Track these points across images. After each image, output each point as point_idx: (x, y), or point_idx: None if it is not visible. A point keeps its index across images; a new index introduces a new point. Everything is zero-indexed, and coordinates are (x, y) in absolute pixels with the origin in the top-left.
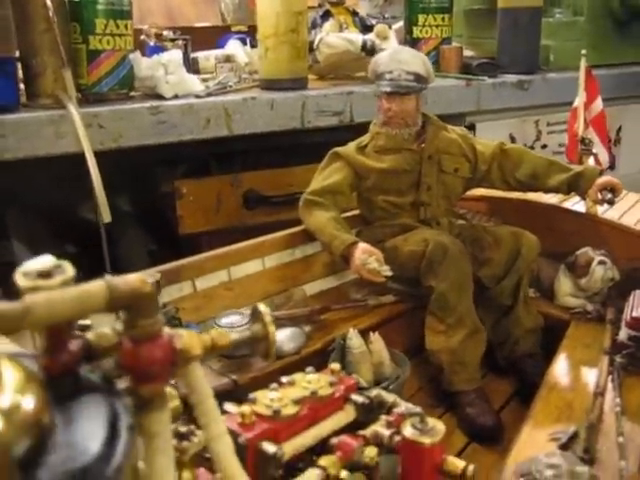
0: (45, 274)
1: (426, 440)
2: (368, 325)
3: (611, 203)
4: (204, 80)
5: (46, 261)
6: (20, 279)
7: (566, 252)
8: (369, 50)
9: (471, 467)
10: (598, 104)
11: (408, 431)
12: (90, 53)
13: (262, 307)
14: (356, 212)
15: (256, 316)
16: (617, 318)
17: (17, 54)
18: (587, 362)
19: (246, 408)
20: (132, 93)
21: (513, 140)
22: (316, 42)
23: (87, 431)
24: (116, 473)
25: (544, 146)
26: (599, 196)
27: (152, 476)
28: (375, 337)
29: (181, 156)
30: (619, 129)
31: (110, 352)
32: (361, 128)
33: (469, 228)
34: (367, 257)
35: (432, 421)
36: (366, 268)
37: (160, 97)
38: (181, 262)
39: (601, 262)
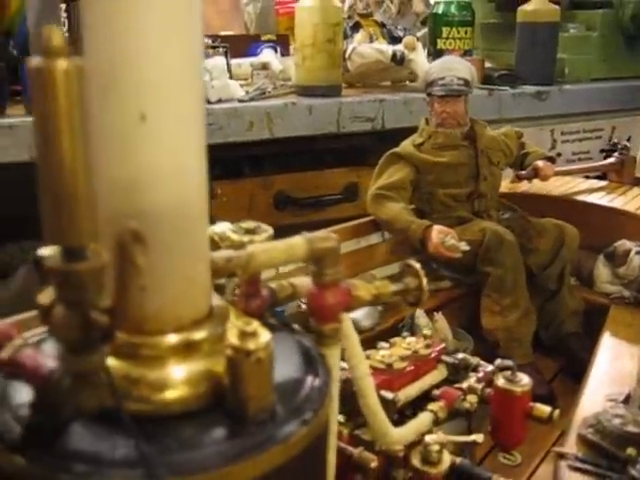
0: (251, 231)
1: (517, 389)
2: (430, 307)
3: (519, 179)
4: (241, 86)
5: (248, 223)
6: (230, 232)
7: (601, 245)
8: (399, 60)
9: (557, 411)
10: None
11: (501, 382)
12: None
13: (414, 262)
14: (372, 217)
15: (407, 270)
16: None
17: None
18: (630, 338)
19: None
20: None
21: None
22: (348, 52)
23: (289, 360)
24: (324, 390)
25: (559, 154)
26: (524, 173)
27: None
28: (439, 316)
29: (215, 158)
30: (629, 139)
31: (287, 301)
32: (387, 134)
33: (516, 220)
34: (444, 236)
35: (520, 374)
36: (445, 245)
37: (206, 101)
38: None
39: (638, 252)
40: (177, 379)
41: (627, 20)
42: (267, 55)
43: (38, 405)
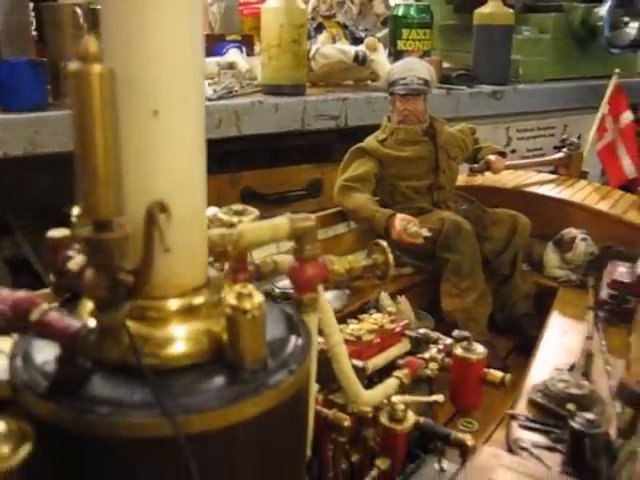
0: (239, 213)
1: (473, 357)
2: (394, 290)
3: (473, 172)
4: (208, 85)
5: (237, 206)
6: (221, 215)
7: (551, 233)
8: (361, 60)
9: (507, 376)
10: (627, 117)
11: (459, 351)
12: None
13: (382, 241)
14: (339, 209)
15: (375, 248)
16: (597, 284)
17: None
18: (576, 316)
19: None
20: None
21: None
22: (312, 52)
23: (275, 324)
24: (306, 348)
25: (513, 151)
26: (476, 166)
27: None
28: (402, 299)
29: None
30: (579, 137)
31: (270, 275)
32: (350, 131)
33: (472, 210)
34: (407, 223)
35: (476, 344)
36: (407, 232)
37: None
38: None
39: (583, 239)
40: (180, 337)
41: (577, 24)
42: (233, 55)
43: (64, 359)
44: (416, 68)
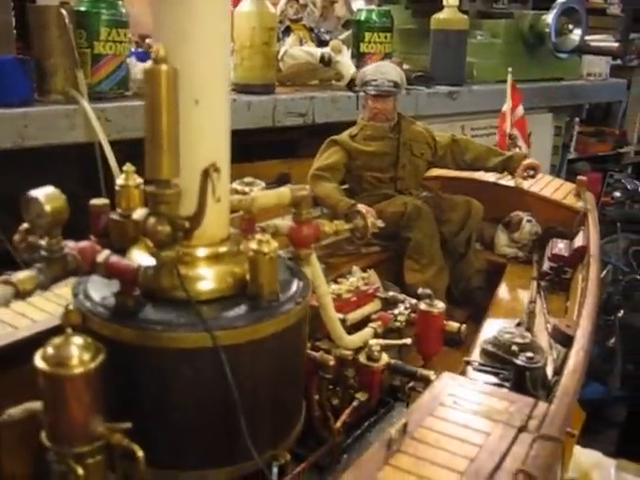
0: (250, 184)
1: (435, 310)
2: (364, 265)
3: (533, 177)
4: None
5: (248, 178)
6: (236, 186)
7: (501, 217)
8: (326, 62)
9: (463, 326)
10: (520, 110)
11: (422, 306)
12: (94, 57)
13: (360, 207)
14: (345, 186)
15: (355, 215)
16: (540, 259)
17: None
18: (522, 286)
19: None
20: (127, 93)
21: None
22: (281, 54)
23: (281, 270)
24: (306, 288)
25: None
26: (525, 174)
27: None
28: (371, 272)
29: None
30: (529, 135)
31: (272, 236)
32: (317, 128)
33: (432, 197)
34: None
35: (437, 301)
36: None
37: None
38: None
39: (529, 220)
40: (209, 276)
41: (526, 30)
42: None
43: (124, 292)
44: (387, 71)
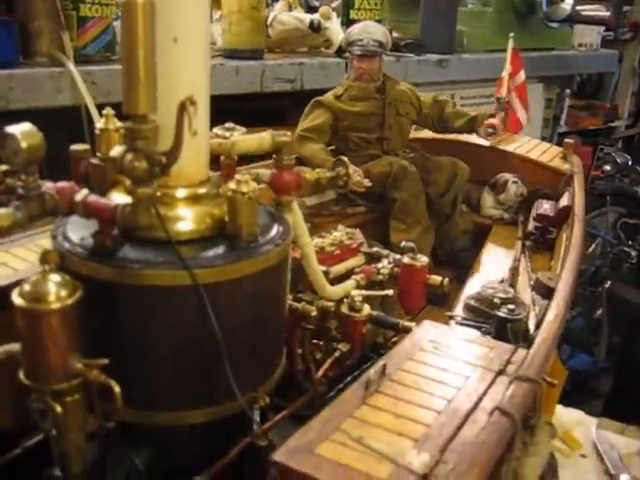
0: (231, 129)
1: (418, 263)
2: (349, 226)
3: (490, 135)
4: None
5: (228, 124)
6: (218, 131)
7: (487, 179)
8: (315, 28)
9: (446, 280)
10: (521, 76)
11: (406, 259)
12: (80, 19)
13: (343, 157)
14: (332, 147)
15: (338, 162)
16: (525, 220)
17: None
18: (507, 246)
19: None
20: (113, 57)
21: None
22: (270, 19)
23: (261, 216)
24: (286, 231)
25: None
26: (485, 132)
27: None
28: (356, 231)
29: None
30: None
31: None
32: (305, 95)
33: (419, 157)
34: (353, 172)
35: (420, 255)
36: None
37: None
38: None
39: (514, 182)
40: (188, 217)
41: None
42: None
43: (102, 231)
44: (373, 31)
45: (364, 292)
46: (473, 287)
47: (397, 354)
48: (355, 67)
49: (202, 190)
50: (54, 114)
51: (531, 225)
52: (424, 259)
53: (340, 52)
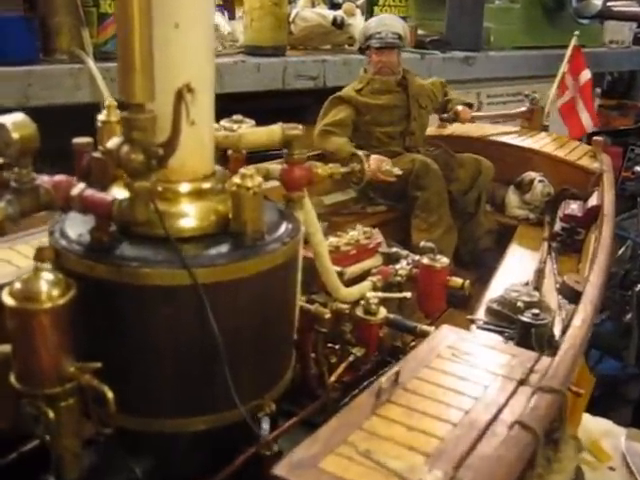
0: (239, 121)
1: (437, 265)
2: (368, 225)
3: (442, 121)
4: None
5: (235, 117)
6: (224, 123)
7: (513, 178)
8: (339, 24)
9: (467, 282)
10: (585, 76)
11: (425, 260)
12: (100, 16)
13: (359, 152)
14: (318, 152)
15: (353, 158)
16: (552, 221)
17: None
18: (532, 248)
19: None
20: None
21: None
22: (292, 16)
23: (270, 214)
24: (295, 229)
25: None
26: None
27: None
28: (376, 231)
29: None
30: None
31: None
32: (328, 92)
33: (441, 154)
34: (380, 162)
35: (440, 255)
36: (381, 170)
37: None
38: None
39: (541, 181)
40: (191, 213)
41: None
42: (216, 18)
43: (99, 227)
44: (391, 23)
45: (380, 294)
46: (496, 290)
47: (412, 360)
48: (374, 60)
49: (206, 185)
50: (73, 111)
51: (558, 226)
52: (444, 260)
53: (363, 49)
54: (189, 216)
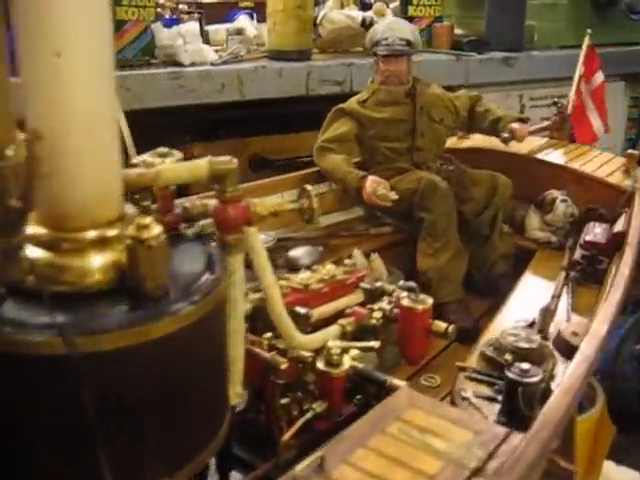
0: (163, 155)
1: (419, 307)
2: (370, 249)
3: (505, 142)
4: (216, 51)
5: (162, 149)
6: (147, 157)
7: (535, 195)
8: (368, 26)
9: (451, 327)
10: (597, 78)
11: (405, 301)
12: (117, 23)
13: (308, 186)
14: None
15: (302, 194)
16: (574, 245)
17: None
18: (548, 277)
19: (283, 282)
20: (153, 60)
21: None
22: (319, 18)
23: (193, 261)
24: (215, 282)
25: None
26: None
27: (230, 303)
28: (375, 256)
29: (192, 121)
30: None
31: (199, 218)
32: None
33: (454, 171)
34: (377, 185)
35: (422, 295)
36: (377, 194)
37: (179, 64)
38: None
39: (563, 200)
40: (94, 267)
41: None
42: (242, 21)
43: None
44: (398, 28)
45: (344, 343)
46: (499, 327)
47: (347, 438)
48: (381, 69)
49: (111, 232)
50: None
51: (578, 253)
52: (428, 301)
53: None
54: (89, 268)
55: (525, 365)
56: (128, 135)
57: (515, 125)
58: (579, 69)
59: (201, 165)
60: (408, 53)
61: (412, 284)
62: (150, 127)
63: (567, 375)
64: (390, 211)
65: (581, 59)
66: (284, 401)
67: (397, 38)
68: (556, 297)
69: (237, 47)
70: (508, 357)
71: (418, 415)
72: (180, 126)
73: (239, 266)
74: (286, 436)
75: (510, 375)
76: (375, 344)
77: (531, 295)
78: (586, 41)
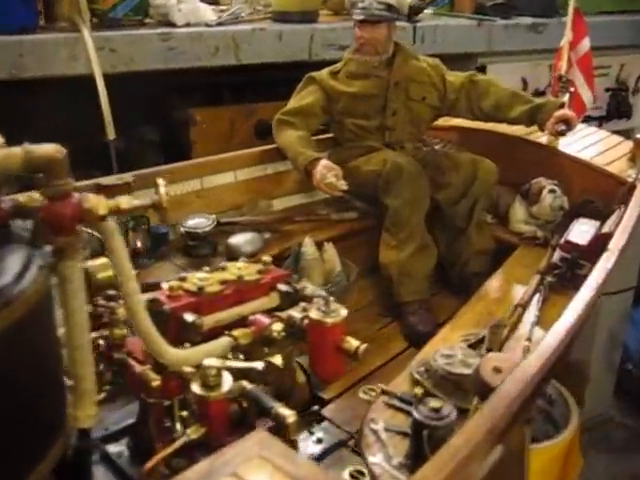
0: None
1: (329, 320)
2: (327, 237)
3: (563, 134)
4: (221, 11)
5: None
6: None
7: (526, 182)
8: None
9: (362, 347)
10: (585, 45)
11: (314, 313)
12: None
13: (160, 180)
14: (329, 135)
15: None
16: (557, 244)
17: None
18: (520, 280)
19: (174, 283)
20: (147, 20)
21: (525, 84)
22: None
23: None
24: (21, 295)
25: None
26: (555, 128)
27: (67, 316)
28: (328, 246)
29: (195, 85)
30: (639, 78)
31: (36, 212)
32: None
33: (432, 153)
34: (327, 172)
35: (336, 305)
36: (324, 182)
37: (173, 25)
38: (157, 168)
39: (551, 190)
40: None
41: None
42: None
43: None
44: None
45: (224, 362)
46: (442, 341)
47: None
48: (355, 36)
49: None
50: (70, 83)
51: (557, 255)
52: (341, 312)
53: (410, 14)
54: None
55: (436, 403)
56: (104, 97)
57: (567, 112)
58: (567, 35)
59: (15, 153)
60: (387, 19)
61: (322, 293)
62: (142, 91)
63: (465, 425)
64: (358, 194)
65: (569, 25)
66: (167, 420)
67: (375, 1)
68: (521, 306)
69: (239, 7)
70: (418, 391)
71: (256, 472)
72: (179, 90)
73: (75, 273)
74: (148, 464)
75: (416, 415)
76: (258, 365)
77: (496, 301)
78: (572, 4)
